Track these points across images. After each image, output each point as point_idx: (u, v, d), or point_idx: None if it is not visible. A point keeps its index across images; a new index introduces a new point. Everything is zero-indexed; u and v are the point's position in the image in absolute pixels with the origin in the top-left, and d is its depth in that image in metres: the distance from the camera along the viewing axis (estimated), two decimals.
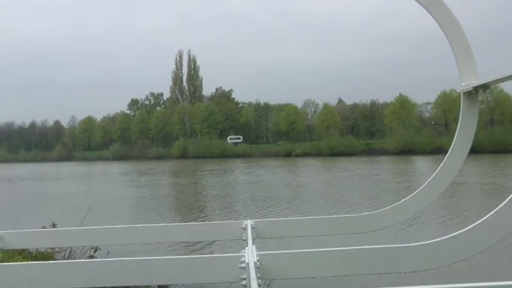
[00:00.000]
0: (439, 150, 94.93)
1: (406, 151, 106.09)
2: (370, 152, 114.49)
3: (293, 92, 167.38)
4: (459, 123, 4.21)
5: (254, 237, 4.13)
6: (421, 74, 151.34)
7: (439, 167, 4.30)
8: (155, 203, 38.05)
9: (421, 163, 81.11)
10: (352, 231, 4.59)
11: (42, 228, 12.88)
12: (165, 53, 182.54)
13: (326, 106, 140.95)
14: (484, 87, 3.97)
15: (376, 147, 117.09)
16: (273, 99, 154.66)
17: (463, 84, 4.09)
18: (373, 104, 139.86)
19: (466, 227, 3.20)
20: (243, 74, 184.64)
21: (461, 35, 4.22)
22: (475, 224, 3.16)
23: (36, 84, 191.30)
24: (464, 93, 4.12)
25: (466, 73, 4.11)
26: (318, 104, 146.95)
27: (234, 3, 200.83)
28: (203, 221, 28.10)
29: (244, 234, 4.27)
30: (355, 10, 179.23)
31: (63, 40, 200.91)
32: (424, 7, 4.29)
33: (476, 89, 4.01)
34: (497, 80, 3.70)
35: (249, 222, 4.39)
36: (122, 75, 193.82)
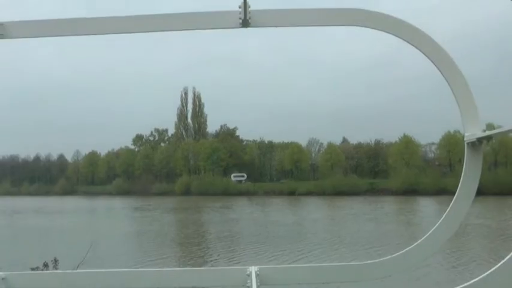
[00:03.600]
0: (443, 191, 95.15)
1: (410, 191, 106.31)
2: (374, 191, 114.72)
3: (297, 131, 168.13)
4: (463, 172, 4.24)
5: (258, 284, 4.24)
6: (425, 114, 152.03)
7: (443, 216, 4.30)
8: (153, 239, 38.31)
9: (425, 204, 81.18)
10: (357, 279, 4.55)
11: (43, 264, 13.28)
12: (170, 89, 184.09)
13: (330, 145, 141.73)
14: (488, 138, 4.03)
15: (380, 187, 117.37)
16: (277, 138, 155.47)
17: (467, 135, 4.16)
18: (377, 143, 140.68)
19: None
20: (248, 113, 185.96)
21: (464, 86, 4.33)
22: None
23: (41, 118, 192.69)
24: (468, 143, 4.18)
25: (470, 124, 4.19)
26: (322, 143, 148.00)
27: (238, 46, 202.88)
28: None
29: (248, 281, 4.34)
30: (360, 55, 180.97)
31: (69, 76, 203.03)
32: (428, 57, 4.45)
33: (480, 140, 4.07)
34: (501, 132, 3.82)
35: (253, 269, 4.42)
36: (127, 111, 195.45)
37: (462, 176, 4.22)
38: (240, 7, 4.99)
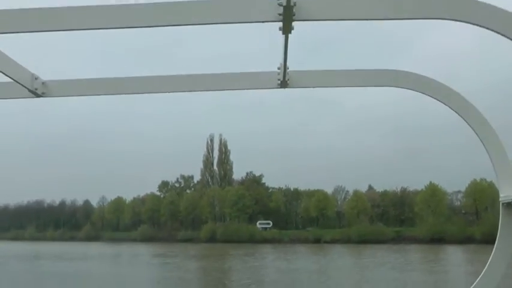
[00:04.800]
0: (470, 240, 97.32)
1: (437, 239, 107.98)
2: (400, 239, 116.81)
3: (323, 178, 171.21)
4: (498, 233, 4.25)
5: None
6: (451, 162, 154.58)
7: (477, 280, 4.32)
8: (171, 286, 40.61)
9: (451, 253, 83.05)
10: None
11: None
12: (196, 136, 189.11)
13: (356, 193, 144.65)
14: None
15: (406, 235, 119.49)
16: (303, 185, 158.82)
17: (502, 196, 4.16)
18: (403, 191, 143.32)
19: None
20: (273, 160, 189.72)
21: (499, 146, 4.37)
22: None
23: (67, 164, 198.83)
24: (503, 203, 4.19)
25: (505, 184, 4.18)
26: (348, 191, 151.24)
27: (265, 93, 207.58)
28: None
29: None
30: (387, 102, 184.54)
31: (95, 122, 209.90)
32: (462, 117, 4.65)
33: None
34: None
35: None
36: (153, 157, 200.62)
37: (498, 237, 4.29)
38: (279, 68, 5.27)
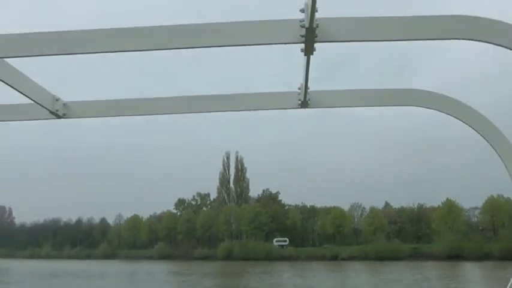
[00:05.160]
0: (488, 256, 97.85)
1: (454, 256, 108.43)
2: (417, 256, 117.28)
3: (339, 195, 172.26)
4: None
5: None
6: (468, 178, 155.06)
7: None
8: None
9: (469, 270, 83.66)
10: None
11: None
12: (212, 153, 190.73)
13: (373, 210, 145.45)
14: None
15: (423, 251, 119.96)
16: (319, 202, 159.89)
17: None
18: (420, 208, 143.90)
19: None
20: (289, 175, 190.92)
21: None
22: None
23: (83, 181, 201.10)
24: None
25: None
26: (364, 208, 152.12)
27: (280, 110, 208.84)
28: None
29: None
30: (402, 119, 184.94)
31: (111, 139, 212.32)
32: (480, 134, 4.76)
33: None
34: None
35: None
36: (169, 175, 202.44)
37: None
38: (299, 89, 5.30)
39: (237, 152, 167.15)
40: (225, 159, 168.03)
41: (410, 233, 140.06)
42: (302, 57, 4.58)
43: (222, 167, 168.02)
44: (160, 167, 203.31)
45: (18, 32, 4.37)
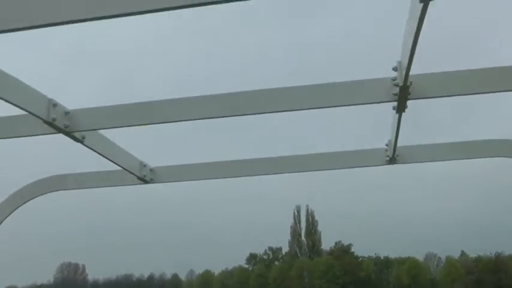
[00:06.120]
0: None
1: None
2: None
3: (413, 244, 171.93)
4: None
5: None
6: None
7: None
8: None
9: None
10: None
11: None
12: (283, 207, 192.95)
13: (449, 260, 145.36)
14: None
15: None
16: (393, 252, 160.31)
17: None
18: (498, 256, 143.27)
19: None
20: (362, 228, 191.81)
21: None
22: None
23: (155, 237, 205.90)
24: None
25: None
26: (440, 257, 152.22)
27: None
28: None
29: None
30: (476, 160, 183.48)
31: (182, 195, 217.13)
32: None
33: None
34: None
35: None
36: (240, 229, 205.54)
37: None
38: (387, 145, 5.46)
39: (307, 205, 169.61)
40: (296, 212, 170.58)
41: (489, 284, 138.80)
42: (387, 113, 4.70)
43: (293, 220, 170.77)
44: (231, 222, 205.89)
45: (107, 105, 4.75)
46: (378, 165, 5.60)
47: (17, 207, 6.16)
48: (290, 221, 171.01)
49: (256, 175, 5.99)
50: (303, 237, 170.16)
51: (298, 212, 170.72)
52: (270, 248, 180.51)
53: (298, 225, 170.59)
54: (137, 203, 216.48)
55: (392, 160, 5.31)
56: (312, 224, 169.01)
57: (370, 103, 4.32)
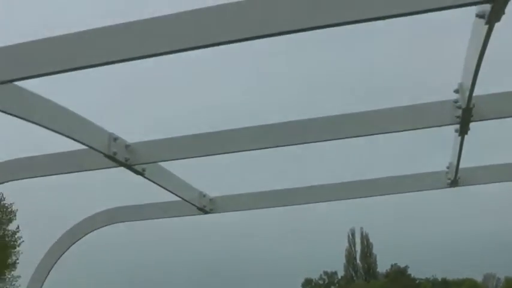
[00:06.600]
0: None
1: None
2: None
3: (471, 265, 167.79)
4: None
5: None
6: None
7: None
8: None
9: None
10: None
11: None
12: (337, 231, 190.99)
13: (508, 280, 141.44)
14: None
15: None
16: (450, 273, 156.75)
17: None
18: None
19: None
20: (417, 248, 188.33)
21: None
22: None
23: (208, 271, 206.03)
24: None
25: None
26: (499, 278, 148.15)
27: None
28: None
29: None
30: None
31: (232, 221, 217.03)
32: None
33: None
34: None
35: None
36: (294, 254, 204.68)
37: None
38: (448, 168, 5.27)
39: (361, 228, 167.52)
40: (350, 235, 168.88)
41: None
42: (448, 135, 4.62)
43: (347, 243, 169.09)
44: (284, 247, 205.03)
45: (164, 137, 4.84)
46: (439, 189, 5.51)
47: (78, 240, 6.21)
48: (344, 245, 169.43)
49: (314, 202, 5.97)
50: (358, 261, 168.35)
51: (353, 234, 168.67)
52: (325, 272, 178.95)
53: (353, 248, 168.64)
54: (188, 234, 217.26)
55: (453, 183, 5.21)
56: (366, 247, 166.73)
57: (432, 127, 4.31)
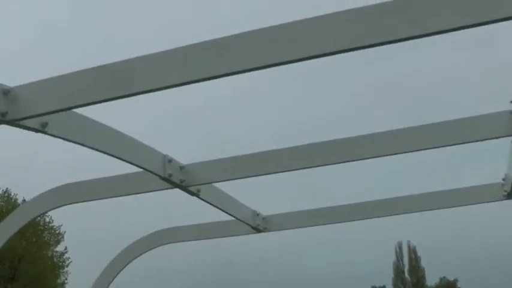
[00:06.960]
0: None
1: None
2: None
3: None
4: None
5: None
6: None
7: None
8: None
9: None
10: None
11: None
12: (385, 243, 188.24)
13: None
14: None
15: None
16: (502, 286, 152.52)
17: None
18: None
19: None
20: (467, 260, 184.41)
21: None
22: None
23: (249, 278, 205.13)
24: None
25: None
26: None
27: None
28: None
29: None
30: None
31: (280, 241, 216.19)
32: None
33: None
34: None
35: None
36: (341, 269, 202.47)
37: None
38: (503, 179, 5.09)
39: (408, 241, 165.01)
40: (397, 249, 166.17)
41: None
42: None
43: (395, 257, 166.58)
44: (330, 258, 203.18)
45: (218, 158, 4.85)
46: (494, 201, 5.35)
47: (131, 261, 6.20)
48: (392, 258, 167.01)
49: (370, 218, 5.96)
50: (406, 274, 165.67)
51: (400, 248, 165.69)
52: (373, 287, 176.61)
53: (401, 261, 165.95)
54: (232, 255, 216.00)
55: (510, 195, 5.02)
56: (414, 260, 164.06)
57: (488, 139, 4.19)
